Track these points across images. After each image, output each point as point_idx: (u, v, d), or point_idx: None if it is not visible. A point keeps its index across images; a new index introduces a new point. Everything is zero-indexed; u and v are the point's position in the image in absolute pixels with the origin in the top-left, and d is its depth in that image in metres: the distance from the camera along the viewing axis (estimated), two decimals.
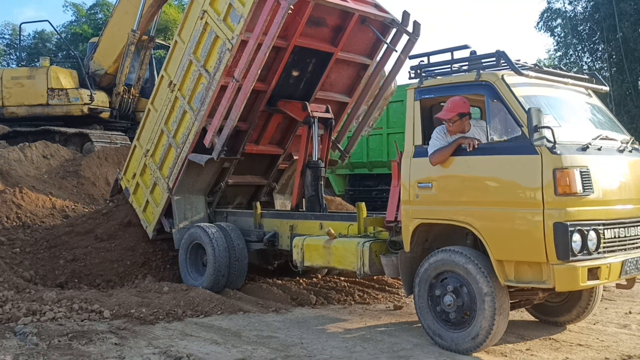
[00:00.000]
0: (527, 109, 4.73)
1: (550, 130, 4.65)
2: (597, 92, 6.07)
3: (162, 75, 8.33)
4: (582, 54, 29.77)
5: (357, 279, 8.45)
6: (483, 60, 5.47)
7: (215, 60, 7.50)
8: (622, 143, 5.42)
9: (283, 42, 7.51)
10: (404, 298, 7.79)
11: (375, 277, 8.36)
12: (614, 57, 27.11)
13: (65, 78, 14.87)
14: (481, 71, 5.30)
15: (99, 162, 13.03)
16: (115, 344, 5.72)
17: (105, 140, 14.39)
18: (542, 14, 29.84)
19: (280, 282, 8.33)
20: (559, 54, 30.67)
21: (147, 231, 8.74)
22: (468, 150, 5.22)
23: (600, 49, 28.66)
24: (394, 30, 8.00)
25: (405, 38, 7.95)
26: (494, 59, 5.34)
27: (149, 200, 8.62)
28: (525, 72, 5.24)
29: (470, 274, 5.11)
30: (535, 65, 5.60)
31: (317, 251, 6.62)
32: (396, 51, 8.05)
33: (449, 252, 5.30)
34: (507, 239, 4.96)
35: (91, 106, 14.74)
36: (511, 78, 5.21)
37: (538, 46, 69.20)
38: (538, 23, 30.05)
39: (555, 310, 6.27)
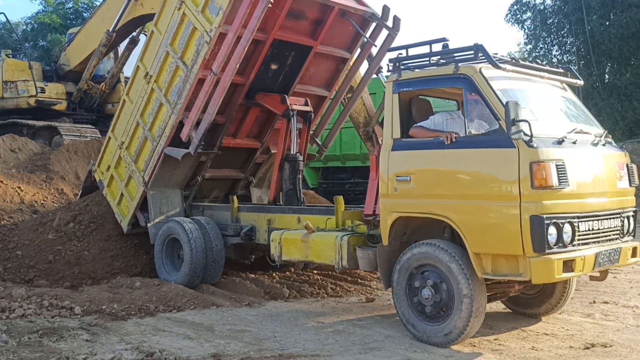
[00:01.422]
0: (504, 103, 4.75)
1: (527, 123, 4.68)
2: (571, 86, 6.14)
3: (138, 66, 8.19)
4: (552, 47, 30.24)
5: (330, 273, 8.52)
6: (461, 54, 5.48)
7: (193, 53, 7.40)
8: (595, 137, 5.48)
9: (262, 35, 7.45)
10: (376, 291, 7.89)
11: (348, 270, 8.36)
12: (582, 50, 27.57)
13: (18, 70, 14.68)
14: (459, 64, 5.31)
15: (68, 156, 12.79)
16: (87, 340, 5.66)
17: (75, 134, 14.15)
18: (512, 6, 30.17)
19: (253, 276, 8.32)
20: (529, 46, 31.09)
21: (122, 225, 8.61)
22: (446, 143, 5.23)
23: (568, 42, 29.12)
24: (374, 24, 7.99)
25: (385, 33, 7.95)
26: (471, 52, 5.36)
27: (124, 194, 8.49)
28: (502, 65, 5.27)
29: (452, 273, 5.12)
30: (512, 58, 5.62)
31: (295, 245, 6.60)
32: (375, 46, 8.04)
33: (433, 246, 5.29)
34: (484, 232, 4.99)
35: (39, 98, 14.50)
36: (489, 71, 5.23)
37: (509, 39, 70.08)
38: (507, 15, 30.38)
39: (530, 302, 6.33)
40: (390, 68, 5.82)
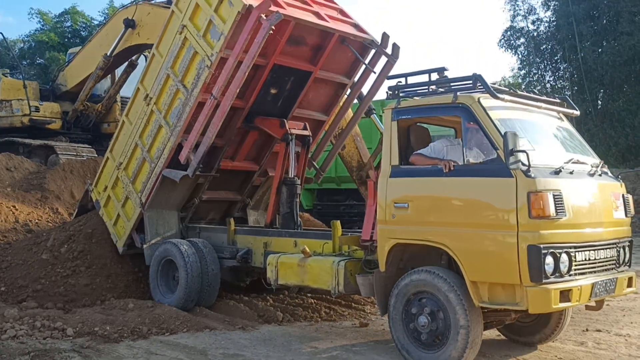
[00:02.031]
0: (503, 133, 4.81)
1: (525, 154, 4.73)
2: (567, 116, 6.22)
3: (139, 88, 8.24)
4: (545, 73, 30.66)
5: (324, 296, 8.50)
6: (459, 83, 5.56)
7: (194, 76, 7.46)
8: (592, 167, 5.55)
9: (262, 60, 7.52)
10: (369, 315, 7.89)
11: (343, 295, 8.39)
12: (575, 76, 27.92)
13: (14, 89, 14.73)
14: (458, 93, 5.38)
15: (64, 175, 12.75)
16: None
17: (71, 153, 14.15)
18: (505, 32, 30.57)
19: (247, 298, 8.29)
20: (522, 72, 31.43)
21: (117, 246, 8.59)
22: (444, 171, 5.28)
23: (562, 68, 29.48)
24: (373, 51, 8.09)
25: (384, 59, 8.04)
26: (470, 81, 5.43)
27: (120, 214, 8.48)
28: (501, 95, 5.34)
29: (450, 303, 5.13)
30: (510, 88, 5.70)
31: (292, 269, 6.59)
32: (374, 72, 8.13)
33: (432, 274, 5.28)
34: (481, 261, 5.02)
35: (33, 117, 14.53)
36: (487, 101, 5.31)
37: (503, 64, 70.90)
38: (500, 40, 30.77)
39: (526, 330, 6.33)
40: (390, 95, 5.89)
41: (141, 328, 6.75)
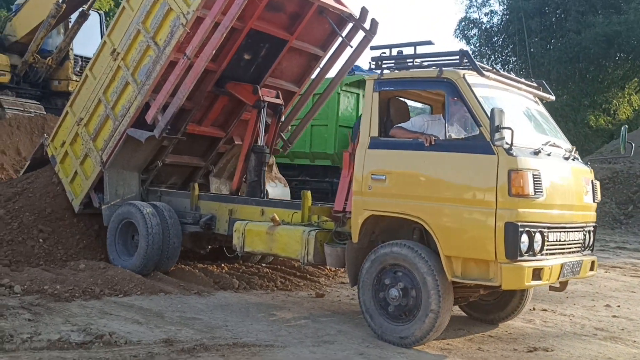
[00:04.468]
0: (490, 109, 4.83)
1: (510, 131, 4.76)
2: (542, 100, 6.33)
3: (105, 42, 7.88)
4: (495, 65, 31.33)
5: (279, 266, 8.58)
6: (445, 58, 5.55)
7: (167, 34, 7.18)
8: (566, 151, 5.66)
9: (239, 24, 7.33)
10: (324, 287, 7.97)
11: (295, 265, 8.54)
12: (523, 71, 28.70)
13: None
14: (443, 68, 5.37)
15: (10, 130, 12.29)
16: (29, 319, 5.51)
17: (19, 108, 13.52)
18: (460, 22, 31.11)
19: (201, 265, 8.23)
20: None
21: (73, 204, 8.25)
22: (425, 145, 5.27)
23: (511, 61, 30.25)
24: (350, 25, 7.99)
25: (361, 34, 7.96)
26: (456, 57, 5.43)
27: (78, 172, 8.14)
28: (486, 73, 5.36)
29: (426, 286, 5.13)
30: (493, 67, 5.74)
31: (260, 237, 6.50)
32: (351, 46, 8.05)
33: (414, 252, 5.22)
34: (457, 236, 5.06)
35: None
36: (472, 78, 5.32)
37: None
38: (455, 30, 31.29)
39: (486, 308, 6.46)
40: (372, 66, 5.83)
41: (93, 289, 6.63)
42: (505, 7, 30.07)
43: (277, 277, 8.03)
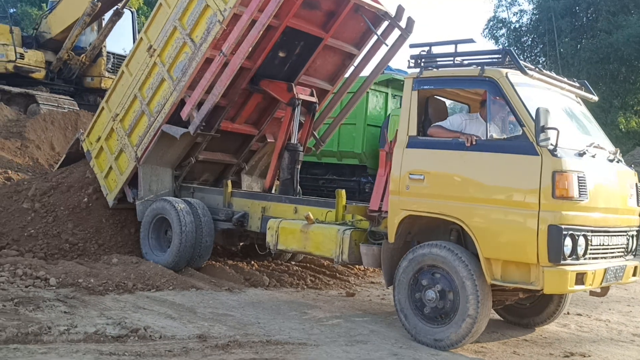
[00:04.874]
0: (536, 109, 4.73)
1: (556, 132, 4.66)
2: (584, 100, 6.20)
3: (142, 38, 7.92)
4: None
5: (308, 264, 8.57)
6: (486, 56, 5.46)
7: (203, 31, 7.20)
8: (610, 153, 5.53)
9: (275, 21, 7.31)
10: (354, 286, 7.94)
11: (325, 263, 8.54)
12: (552, 71, 28.23)
13: None
14: (485, 67, 5.27)
15: (44, 126, 12.55)
16: (65, 312, 5.57)
17: (53, 104, 13.80)
18: (488, 22, 30.72)
19: (231, 262, 8.24)
20: None
21: (108, 199, 8.32)
22: (466, 145, 5.19)
23: (541, 61, 29.79)
24: (386, 23, 7.92)
25: (396, 33, 7.88)
26: (498, 55, 5.34)
27: (113, 167, 8.20)
28: (530, 72, 5.26)
29: (465, 290, 5.04)
30: (535, 67, 5.62)
31: (293, 235, 6.47)
32: (386, 44, 7.97)
33: (454, 256, 5.11)
34: (498, 238, 4.96)
35: (17, 64, 14.07)
36: (515, 77, 5.22)
37: None
38: (484, 30, 30.91)
39: (523, 312, 6.36)
40: (412, 64, 5.76)
41: (126, 283, 6.67)
42: (534, 6, 29.65)
43: (307, 275, 8.02)
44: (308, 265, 8.62)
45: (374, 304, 7.07)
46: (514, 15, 30.61)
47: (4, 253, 7.37)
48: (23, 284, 6.36)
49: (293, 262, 8.71)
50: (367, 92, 12.12)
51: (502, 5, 30.66)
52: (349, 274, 8.48)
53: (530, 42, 29.99)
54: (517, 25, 30.15)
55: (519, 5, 30.24)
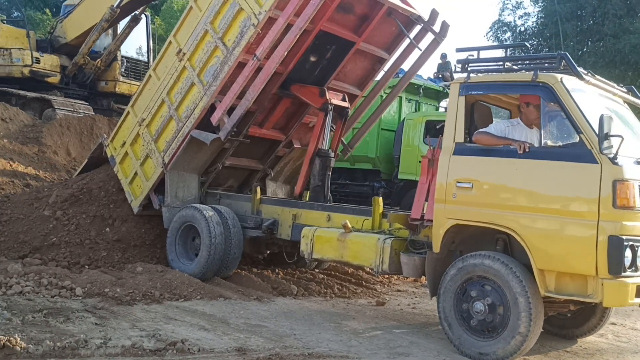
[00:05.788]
0: (600, 115, 4.56)
1: (620, 139, 4.49)
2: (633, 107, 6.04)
3: (170, 42, 7.76)
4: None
5: (333, 272, 8.45)
6: (539, 61, 5.30)
7: (236, 35, 7.04)
8: None
9: (310, 25, 7.11)
10: (382, 295, 7.80)
11: (349, 271, 8.41)
12: None
13: (12, 37, 14.11)
14: (539, 72, 5.11)
15: (60, 131, 12.37)
16: (96, 324, 5.44)
17: (68, 109, 13.65)
18: (493, 24, 30.55)
19: (256, 270, 8.10)
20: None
21: (132, 205, 8.14)
22: (519, 152, 5.02)
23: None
24: (419, 27, 7.77)
25: (429, 37, 7.74)
26: (553, 60, 5.18)
27: (138, 173, 8.02)
28: (586, 77, 5.10)
29: (517, 306, 4.87)
30: (588, 72, 5.46)
31: (330, 244, 6.29)
32: (419, 49, 7.82)
33: (508, 269, 4.93)
34: (552, 249, 4.78)
35: (33, 69, 13.92)
36: (569, 82, 5.06)
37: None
38: (487, 33, 30.73)
39: (563, 323, 6.18)
40: (458, 69, 5.59)
41: (153, 292, 6.53)
42: (539, 9, 29.49)
43: (333, 283, 7.87)
44: (333, 273, 8.48)
45: (407, 313, 6.93)
46: (519, 18, 30.36)
47: (27, 262, 7.22)
48: (49, 294, 6.24)
49: (317, 270, 8.55)
50: (382, 96, 12.03)
51: (507, 8, 30.46)
52: (374, 281, 8.35)
53: (536, 45, 29.83)
54: (522, 29, 29.96)
55: (523, 8, 29.92)
